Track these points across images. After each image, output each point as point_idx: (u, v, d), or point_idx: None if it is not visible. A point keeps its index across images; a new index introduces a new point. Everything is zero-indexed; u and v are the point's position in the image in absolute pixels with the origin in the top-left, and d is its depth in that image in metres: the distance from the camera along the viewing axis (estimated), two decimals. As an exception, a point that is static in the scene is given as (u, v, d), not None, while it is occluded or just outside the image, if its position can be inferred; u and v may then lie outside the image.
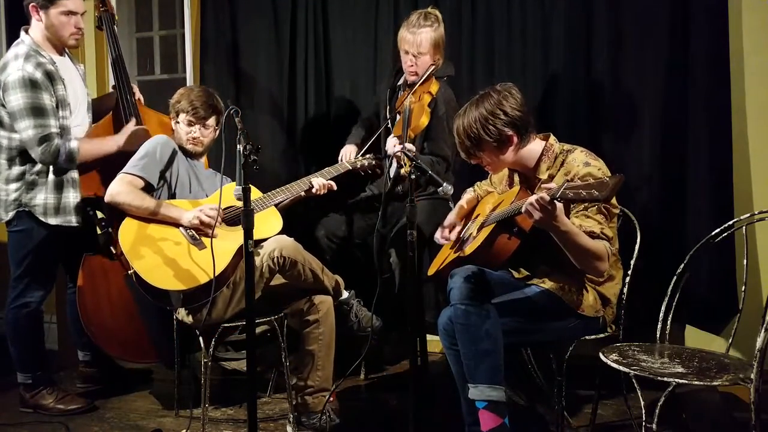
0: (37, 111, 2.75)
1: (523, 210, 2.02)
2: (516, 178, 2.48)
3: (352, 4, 3.61)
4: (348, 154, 3.12)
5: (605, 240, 2.16)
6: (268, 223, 2.71)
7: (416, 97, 2.91)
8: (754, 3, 2.96)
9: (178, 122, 2.83)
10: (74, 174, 2.91)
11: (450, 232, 2.63)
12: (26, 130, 2.75)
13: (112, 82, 3.24)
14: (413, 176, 2.17)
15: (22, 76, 2.73)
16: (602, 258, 2.13)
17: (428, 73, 2.93)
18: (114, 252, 2.98)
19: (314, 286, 2.65)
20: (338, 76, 3.66)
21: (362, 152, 3.07)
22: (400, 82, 3.12)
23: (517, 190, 2.35)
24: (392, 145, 2.79)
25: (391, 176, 2.98)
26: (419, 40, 2.89)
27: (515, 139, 2.27)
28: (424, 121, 2.87)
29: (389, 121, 3.07)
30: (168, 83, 4.32)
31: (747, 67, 2.97)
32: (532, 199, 1.97)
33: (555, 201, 1.94)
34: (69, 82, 2.92)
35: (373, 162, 3.02)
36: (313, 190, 2.86)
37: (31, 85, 2.74)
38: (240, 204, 2.60)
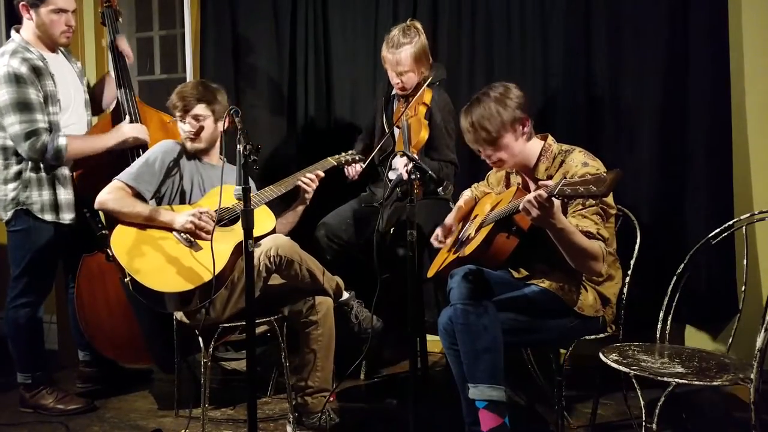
0: (22, 106, 2.75)
1: (521, 207, 2.02)
2: (513, 179, 2.49)
3: (352, 4, 3.61)
4: (352, 170, 3.07)
5: (601, 240, 2.16)
6: (261, 221, 2.71)
7: (412, 111, 2.91)
8: (754, 3, 2.96)
9: (176, 122, 2.80)
10: (65, 171, 2.91)
11: (446, 237, 2.64)
12: (13, 125, 2.76)
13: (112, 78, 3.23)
14: (414, 177, 2.17)
15: (7, 72, 2.75)
16: (597, 258, 2.14)
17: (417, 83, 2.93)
18: (110, 254, 2.98)
19: (312, 287, 2.64)
20: (338, 75, 3.67)
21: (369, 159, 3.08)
22: (394, 92, 3.12)
23: (515, 189, 2.36)
24: (402, 165, 2.77)
25: (391, 179, 2.97)
26: (399, 59, 2.89)
27: (527, 121, 2.29)
28: (424, 135, 2.88)
29: (388, 132, 3.06)
30: (168, 83, 4.32)
31: (747, 67, 2.97)
32: (530, 196, 1.98)
33: (552, 198, 1.94)
34: (61, 78, 2.92)
35: (356, 157, 3.02)
36: (303, 184, 2.84)
37: (16, 80, 2.74)
38: (232, 204, 2.63)
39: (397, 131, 3.02)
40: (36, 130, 2.77)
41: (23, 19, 2.89)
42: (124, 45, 3.18)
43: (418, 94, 2.95)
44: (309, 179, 2.84)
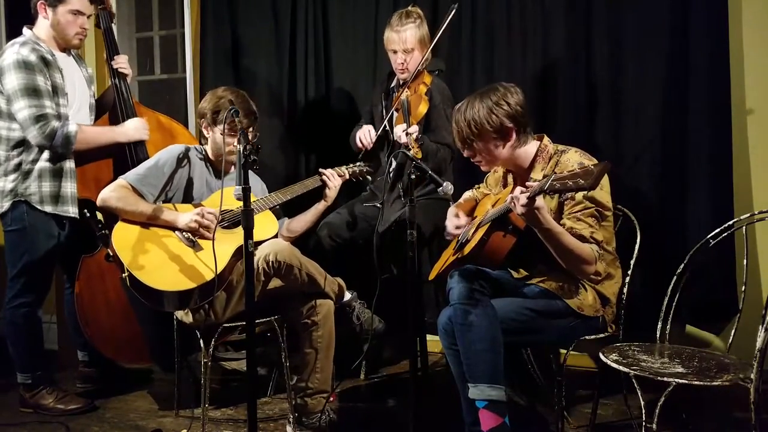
0: (32, 91, 2.77)
1: (507, 202, 2.04)
2: (510, 179, 2.49)
3: (352, 4, 3.61)
4: (366, 131, 3.09)
5: (594, 244, 2.17)
6: (263, 226, 2.70)
7: (412, 90, 2.94)
8: (754, 3, 2.96)
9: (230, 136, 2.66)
10: (71, 164, 2.91)
11: (458, 219, 2.63)
12: (22, 110, 2.77)
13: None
14: (413, 176, 2.18)
15: (17, 59, 2.78)
16: (589, 262, 2.15)
17: (417, 70, 2.96)
18: (111, 254, 2.98)
19: (311, 290, 2.64)
20: (338, 76, 3.67)
21: (361, 156, 3.09)
22: (393, 84, 3.13)
23: (512, 188, 2.36)
24: (401, 131, 2.79)
25: (391, 176, 2.98)
26: (404, 37, 2.93)
27: (514, 134, 2.28)
28: (423, 108, 2.90)
29: (386, 123, 3.07)
30: (168, 83, 4.32)
31: (747, 67, 2.97)
32: (516, 192, 2.01)
33: (535, 196, 1.96)
34: (68, 76, 2.94)
35: (364, 169, 3.04)
36: (327, 178, 2.89)
37: (26, 66, 2.77)
38: (236, 207, 2.63)
39: (396, 115, 3.02)
40: (45, 114, 2.78)
41: (37, 18, 2.93)
42: (124, 63, 3.16)
43: (418, 77, 2.98)
44: (329, 173, 2.88)
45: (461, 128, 2.30)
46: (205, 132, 2.78)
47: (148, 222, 2.62)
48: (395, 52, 2.97)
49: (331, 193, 2.90)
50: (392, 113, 3.04)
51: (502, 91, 2.28)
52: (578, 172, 1.88)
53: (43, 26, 2.92)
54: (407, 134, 2.61)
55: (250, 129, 2.68)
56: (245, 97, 2.77)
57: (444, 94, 3.00)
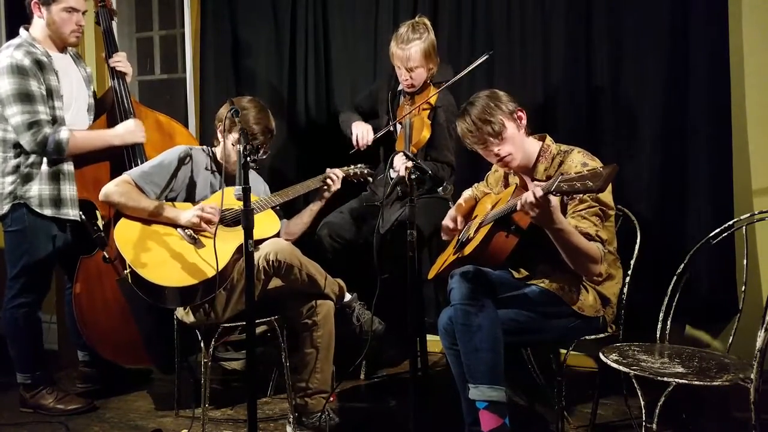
0: (24, 97, 2.76)
1: (518, 206, 2.03)
2: (511, 179, 2.49)
3: (352, 3, 3.61)
4: (366, 132, 3.07)
5: (599, 242, 2.17)
6: (265, 224, 2.71)
7: (416, 110, 2.92)
8: (754, 3, 2.96)
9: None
10: (69, 167, 2.91)
11: (454, 224, 2.63)
12: (14, 116, 2.77)
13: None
14: (414, 176, 2.17)
15: (10, 63, 2.76)
16: (596, 260, 2.15)
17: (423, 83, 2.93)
18: (107, 256, 2.98)
19: (311, 290, 2.64)
20: (338, 75, 3.66)
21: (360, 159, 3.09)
22: (400, 87, 3.12)
23: (513, 188, 2.36)
24: (401, 163, 2.78)
25: (391, 177, 2.98)
26: (409, 55, 2.89)
27: (522, 114, 2.31)
28: (426, 135, 2.89)
29: (392, 125, 3.06)
30: (168, 83, 4.32)
31: (747, 67, 2.97)
32: (528, 194, 1.99)
33: (549, 195, 1.95)
34: (65, 77, 2.93)
35: (365, 171, 3.03)
36: (330, 180, 2.87)
37: (19, 71, 2.76)
38: (237, 206, 2.63)
39: (399, 128, 3.02)
40: (38, 121, 2.77)
41: (33, 18, 2.91)
42: (122, 62, 3.14)
43: (424, 92, 2.95)
44: (335, 175, 2.87)
45: (478, 126, 2.27)
46: (219, 136, 2.76)
47: (150, 219, 2.63)
48: (399, 67, 2.96)
49: (329, 193, 2.90)
50: (396, 125, 3.03)
51: (486, 90, 2.36)
52: (586, 174, 1.87)
53: (38, 26, 2.91)
54: (406, 168, 2.58)
55: (264, 145, 2.67)
56: (266, 112, 2.73)
57: (449, 111, 2.97)
